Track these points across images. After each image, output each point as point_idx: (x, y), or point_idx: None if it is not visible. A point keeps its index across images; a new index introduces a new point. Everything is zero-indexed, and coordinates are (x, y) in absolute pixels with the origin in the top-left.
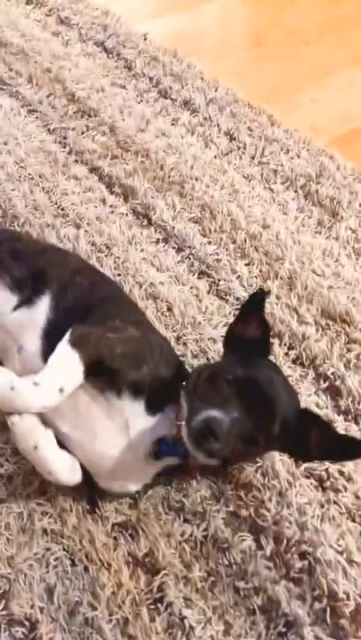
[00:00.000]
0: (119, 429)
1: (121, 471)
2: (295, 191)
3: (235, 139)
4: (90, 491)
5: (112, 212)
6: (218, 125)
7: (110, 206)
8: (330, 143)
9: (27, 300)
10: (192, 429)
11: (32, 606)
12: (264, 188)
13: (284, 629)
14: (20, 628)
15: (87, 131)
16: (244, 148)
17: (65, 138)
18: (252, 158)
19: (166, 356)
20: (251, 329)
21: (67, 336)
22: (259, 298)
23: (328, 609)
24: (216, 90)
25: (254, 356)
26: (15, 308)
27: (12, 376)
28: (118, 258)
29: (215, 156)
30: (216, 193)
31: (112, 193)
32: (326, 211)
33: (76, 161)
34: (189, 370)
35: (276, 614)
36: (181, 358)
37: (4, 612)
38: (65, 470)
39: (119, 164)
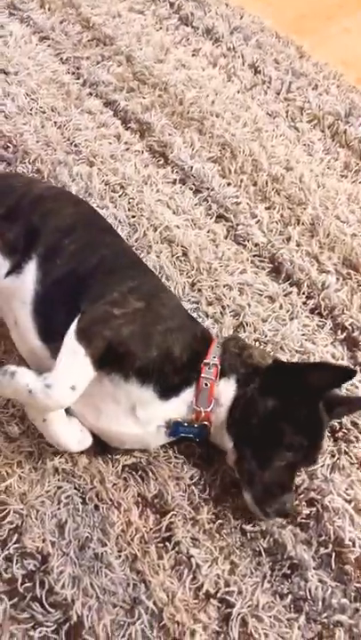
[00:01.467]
0: (124, 411)
1: (130, 441)
2: (322, 131)
3: (260, 72)
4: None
5: (127, 149)
6: (242, 57)
7: (125, 143)
8: None
9: (17, 265)
10: (268, 515)
11: (44, 540)
12: (289, 126)
13: (288, 571)
14: (32, 561)
15: (102, 60)
16: (270, 83)
17: (78, 68)
18: (278, 94)
19: (177, 323)
20: (315, 379)
21: (72, 328)
22: (349, 375)
23: (333, 554)
24: (241, 17)
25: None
26: (8, 274)
27: (29, 378)
28: (133, 199)
29: (238, 91)
30: (238, 131)
31: (127, 129)
32: (354, 153)
33: (90, 94)
34: (202, 322)
35: (282, 557)
36: (195, 305)
37: (16, 545)
38: (74, 441)
39: (135, 97)
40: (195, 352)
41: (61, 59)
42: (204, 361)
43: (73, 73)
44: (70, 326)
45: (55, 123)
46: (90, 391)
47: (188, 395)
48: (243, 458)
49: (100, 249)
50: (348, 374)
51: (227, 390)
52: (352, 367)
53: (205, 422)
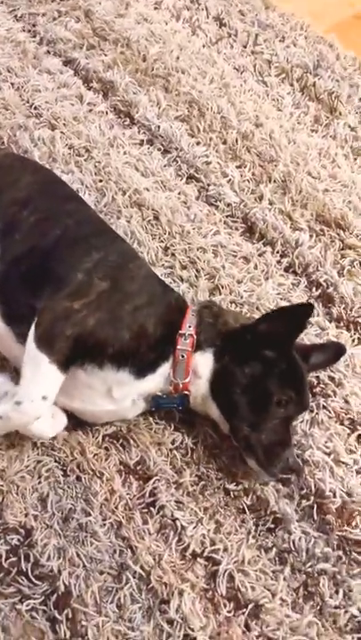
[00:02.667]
0: (100, 394)
1: (105, 417)
2: (291, 84)
3: (225, 24)
4: None
5: (90, 110)
6: (206, 9)
7: (88, 104)
8: (330, 30)
9: None
10: (275, 475)
11: (26, 515)
12: (257, 80)
13: (272, 526)
14: (16, 536)
15: (59, 17)
16: (236, 36)
17: (34, 25)
18: (244, 47)
19: (147, 297)
20: (279, 328)
21: (31, 334)
22: (307, 310)
23: (315, 506)
24: None
25: (283, 344)
26: None
27: None
28: (99, 162)
29: (203, 45)
30: (205, 87)
31: (90, 89)
32: (324, 106)
33: (48, 52)
34: (177, 287)
35: (265, 512)
36: (169, 270)
37: None
38: (47, 427)
39: (96, 55)
40: (169, 324)
41: (15, 16)
42: (180, 332)
43: (29, 31)
44: (30, 329)
45: (12, 84)
46: (63, 382)
47: (164, 369)
48: (237, 427)
49: (62, 218)
50: (306, 310)
51: (204, 362)
52: (307, 302)
53: (185, 392)
